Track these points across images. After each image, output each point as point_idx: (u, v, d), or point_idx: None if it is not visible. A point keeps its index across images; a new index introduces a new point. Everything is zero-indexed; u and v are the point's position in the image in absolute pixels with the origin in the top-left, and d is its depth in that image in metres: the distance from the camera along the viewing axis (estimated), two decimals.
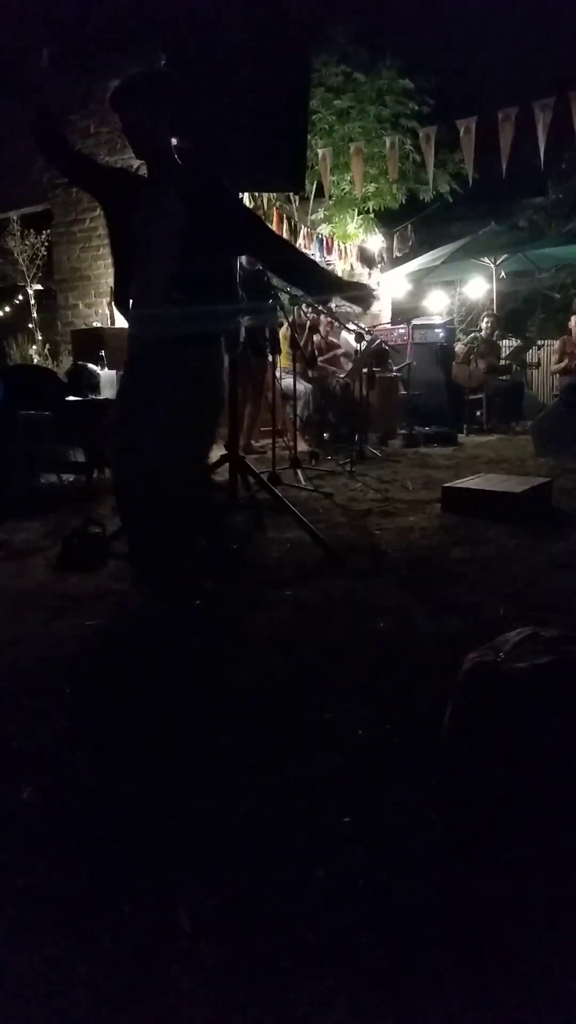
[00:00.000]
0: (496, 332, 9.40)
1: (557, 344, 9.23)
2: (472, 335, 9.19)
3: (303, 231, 8.66)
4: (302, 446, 6.34)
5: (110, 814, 1.45)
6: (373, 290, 2.96)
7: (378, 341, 7.05)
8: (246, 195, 5.54)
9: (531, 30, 10.05)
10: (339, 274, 9.74)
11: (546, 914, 1.14)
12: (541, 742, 1.08)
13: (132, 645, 2.33)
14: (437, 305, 10.48)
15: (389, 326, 9.18)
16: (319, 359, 7.62)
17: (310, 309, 6.76)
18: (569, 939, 1.10)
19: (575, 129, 6.84)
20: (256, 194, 7.24)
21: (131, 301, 2.55)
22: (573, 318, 9.09)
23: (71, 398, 5.28)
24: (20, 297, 8.82)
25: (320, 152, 8.18)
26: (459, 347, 9.06)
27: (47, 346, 8.46)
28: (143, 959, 1.12)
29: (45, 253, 8.53)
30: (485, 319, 9.49)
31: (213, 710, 1.87)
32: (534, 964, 1.07)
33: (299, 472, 5.16)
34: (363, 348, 6.63)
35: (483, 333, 9.22)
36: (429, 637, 2.30)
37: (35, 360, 8.10)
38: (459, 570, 3.04)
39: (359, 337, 6.55)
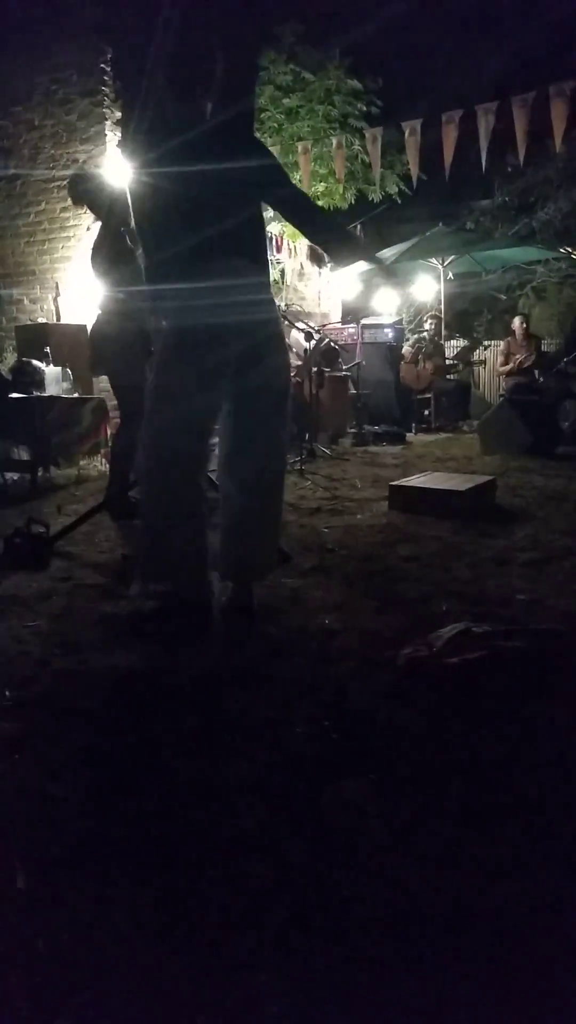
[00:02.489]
0: (443, 332, 9.54)
1: (501, 345, 9.43)
2: (418, 336, 9.30)
3: None
4: None
5: (40, 814, 1.43)
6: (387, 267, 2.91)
7: (327, 340, 7.09)
8: None
9: (475, 35, 10.21)
10: (289, 273, 9.77)
11: (481, 909, 1.16)
12: (472, 733, 1.09)
13: (72, 647, 2.29)
14: (386, 305, 10.57)
15: (339, 325, 9.24)
16: None
17: None
18: (504, 933, 1.12)
19: (516, 134, 6.97)
20: None
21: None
22: (516, 319, 9.30)
23: (15, 395, 5.18)
24: None
25: None
26: (406, 349, 9.16)
27: None
28: (78, 960, 1.10)
29: None
30: (429, 320, 9.61)
31: (151, 708, 1.85)
32: (469, 960, 1.08)
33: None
34: (312, 347, 6.66)
35: (427, 334, 9.34)
36: (373, 634, 2.32)
37: None
38: (404, 567, 3.08)
39: (308, 336, 6.57)
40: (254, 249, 2.33)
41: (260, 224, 2.38)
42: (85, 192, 4.04)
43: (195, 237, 2.22)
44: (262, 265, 2.37)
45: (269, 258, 2.36)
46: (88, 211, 4.25)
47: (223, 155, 2.22)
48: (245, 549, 2.44)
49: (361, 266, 9.86)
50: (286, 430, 2.44)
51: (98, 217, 4.11)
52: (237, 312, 2.20)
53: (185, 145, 2.23)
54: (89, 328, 4.29)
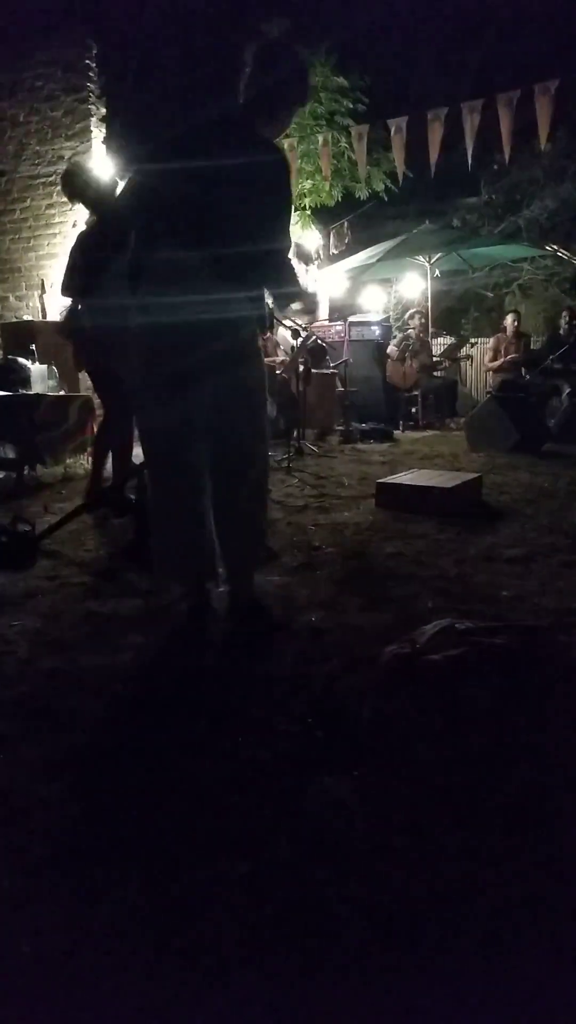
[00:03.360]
0: (430, 330, 9.56)
1: (491, 342, 9.46)
2: (404, 334, 9.30)
3: None
4: None
5: (25, 814, 1.43)
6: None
7: (314, 338, 7.09)
8: None
9: (462, 33, 10.23)
10: None
11: (464, 905, 1.16)
12: (454, 730, 1.10)
13: (58, 646, 2.28)
14: (373, 303, 10.59)
15: (326, 323, 9.24)
16: None
17: None
18: (487, 930, 1.13)
19: (502, 131, 6.99)
20: None
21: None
22: (509, 316, 9.33)
23: (0, 393, 5.15)
24: None
25: None
26: (391, 348, 9.16)
27: None
28: (64, 961, 1.10)
29: None
30: (415, 317, 9.62)
31: (137, 706, 1.85)
32: (454, 958, 1.09)
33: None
34: (299, 344, 6.66)
35: (413, 331, 9.35)
36: (358, 630, 2.32)
37: None
38: (391, 564, 3.09)
39: (295, 334, 6.57)
40: (221, 249, 2.13)
41: (250, 226, 2.15)
42: (85, 185, 4.01)
43: (165, 237, 2.18)
44: (233, 270, 2.13)
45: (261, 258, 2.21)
46: (81, 205, 4.22)
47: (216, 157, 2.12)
48: (227, 554, 2.41)
49: (349, 263, 9.88)
50: (260, 437, 2.36)
51: (92, 213, 4.09)
52: (190, 316, 2.11)
53: (174, 144, 2.19)
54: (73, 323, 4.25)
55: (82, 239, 4.09)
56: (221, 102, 2.23)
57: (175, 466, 2.32)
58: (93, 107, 7.62)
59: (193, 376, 2.20)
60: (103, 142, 7.63)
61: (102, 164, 7.54)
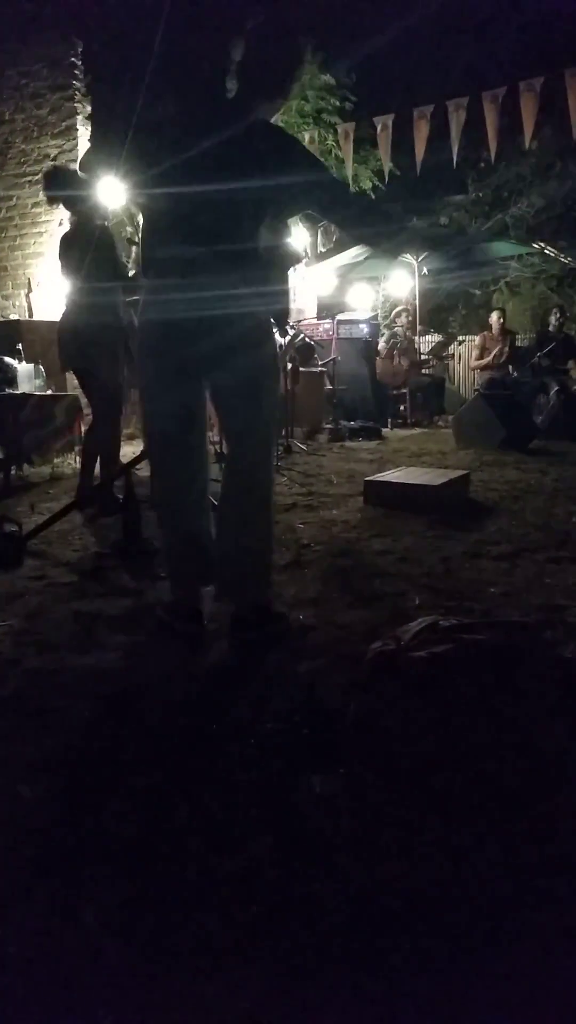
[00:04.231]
0: (418, 327, 9.56)
1: (478, 340, 9.48)
2: (391, 332, 9.31)
3: None
4: None
5: (10, 815, 1.42)
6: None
7: (301, 336, 7.09)
8: None
9: (451, 31, 10.24)
10: None
11: (450, 898, 1.17)
12: (438, 726, 1.10)
13: (45, 647, 2.27)
14: (361, 300, 10.59)
15: (314, 321, 9.23)
16: None
17: None
18: (473, 922, 1.14)
19: (487, 129, 7.01)
20: None
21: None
22: (494, 314, 9.35)
23: None
24: None
25: None
26: (380, 345, 9.16)
27: None
28: (48, 960, 1.10)
29: None
30: (403, 315, 9.62)
31: (123, 707, 1.85)
32: (439, 953, 1.09)
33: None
34: (287, 342, 6.65)
35: (400, 329, 9.36)
36: (345, 628, 2.33)
37: None
38: (379, 562, 3.09)
39: (283, 332, 6.56)
40: (224, 240, 2.14)
41: (247, 216, 2.16)
42: (62, 187, 3.99)
43: (168, 233, 2.18)
44: (237, 257, 2.15)
45: (261, 250, 2.19)
46: (61, 207, 4.22)
47: (224, 158, 2.09)
48: (228, 570, 2.30)
49: (337, 261, 9.88)
50: (268, 423, 2.33)
51: (73, 213, 4.08)
52: (196, 308, 2.12)
53: (178, 143, 2.17)
54: (58, 323, 4.25)
55: (65, 240, 4.09)
56: (213, 96, 2.21)
57: (177, 458, 2.31)
58: (79, 105, 7.59)
59: (200, 366, 2.20)
60: (89, 140, 7.60)
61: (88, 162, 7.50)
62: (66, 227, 4.17)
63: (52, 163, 7.28)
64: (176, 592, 2.41)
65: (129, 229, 7.51)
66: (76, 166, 6.56)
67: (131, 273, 4.19)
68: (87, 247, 3.82)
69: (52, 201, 4.11)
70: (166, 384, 2.25)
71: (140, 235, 2.30)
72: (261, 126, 2.23)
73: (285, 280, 2.32)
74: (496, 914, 1.14)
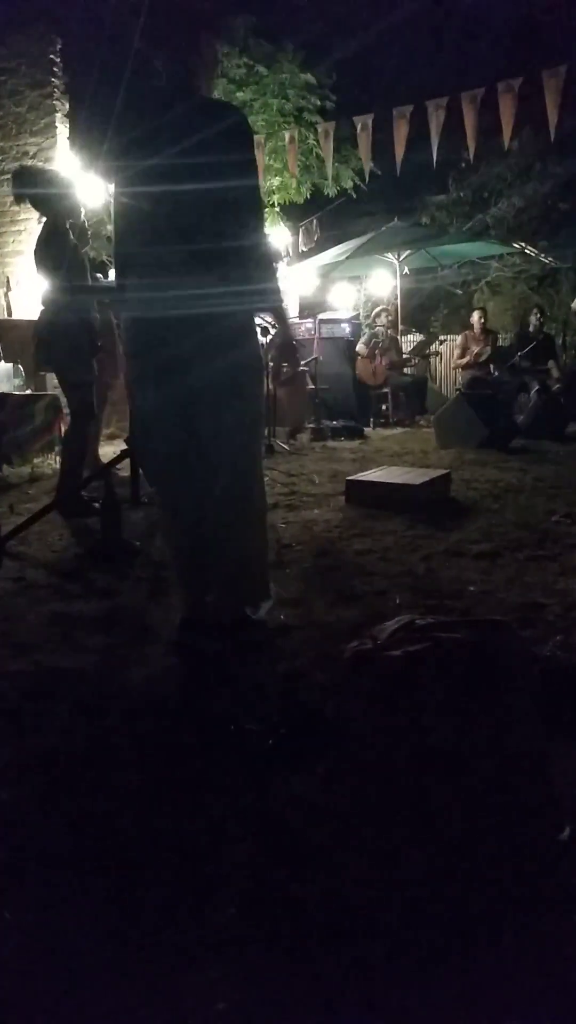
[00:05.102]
0: (399, 327, 9.58)
1: (459, 339, 9.52)
2: (372, 332, 9.31)
3: None
4: None
5: None
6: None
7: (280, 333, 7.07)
8: None
9: (428, 32, 10.28)
10: None
11: (427, 896, 1.17)
12: (413, 725, 1.10)
13: (23, 648, 2.25)
14: (343, 300, 10.60)
15: (296, 320, 9.22)
16: None
17: None
18: (450, 920, 1.14)
19: (467, 129, 7.04)
20: None
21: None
22: (475, 313, 9.39)
23: None
24: None
25: None
26: (360, 346, 9.16)
27: None
28: (28, 964, 1.09)
29: None
30: (383, 315, 9.63)
31: (101, 708, 1.83)
32: (416, 957, 1.09)
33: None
34: (268, 342, 6.65)
35: (381, 328, 9.36)
36: (326, 628, 2.33)
37: None
38: (360, 561, 3.09)
39: (264, 331, 6.55)
40: (199, 238, 2.10)
41: (223, 215, 2.12)
42: (28, 186, 3.97)
43: (140, 235, 2.16)
44: (214, 256, 2.11)
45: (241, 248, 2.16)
46: (30, 207, 4.20)
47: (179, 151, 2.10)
48: (216, 576, 2.25)
49: (319, 260, 9.89)
50: (251, 426, 2.28)
51: (42, 213, 4.06)
52: (173, 307, 2.09)
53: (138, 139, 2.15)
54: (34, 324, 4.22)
55: (38, 241, 4.06)
56: (159, 86, 2.19)
57: (170, 459, 2.25)
58: (58, 103, 7.54)
59: (185, 363, 2.15)
60: (68, 138, 7.55)
61: (66, 160, 7.47)
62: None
63: (21, 163, 7.23)
64: (188, 601, 2.29)
65: (109, 227, 7.47)
66: (54, 164, 6.52)
67: (111, 272, 4.17)
68: (55, 248, 3.82)
69: (19, 200, 4.09)
70: (152, 383, 2.23)
71: (114, 234, 2.27)
72: (218, 108, 2.20)
73: (273, 278, 2.24)
74: (474, 909, 1.14)
